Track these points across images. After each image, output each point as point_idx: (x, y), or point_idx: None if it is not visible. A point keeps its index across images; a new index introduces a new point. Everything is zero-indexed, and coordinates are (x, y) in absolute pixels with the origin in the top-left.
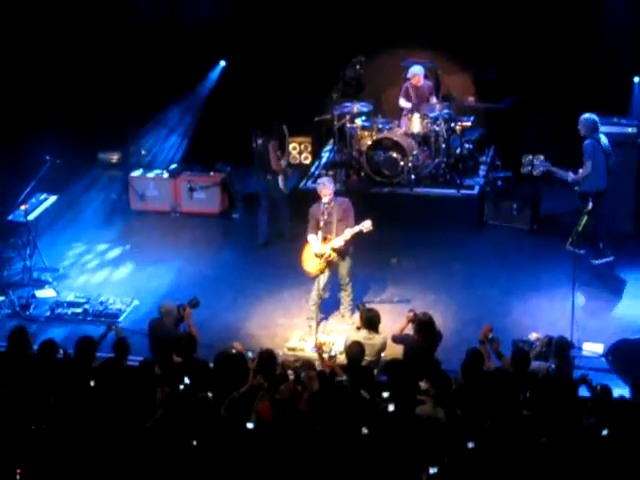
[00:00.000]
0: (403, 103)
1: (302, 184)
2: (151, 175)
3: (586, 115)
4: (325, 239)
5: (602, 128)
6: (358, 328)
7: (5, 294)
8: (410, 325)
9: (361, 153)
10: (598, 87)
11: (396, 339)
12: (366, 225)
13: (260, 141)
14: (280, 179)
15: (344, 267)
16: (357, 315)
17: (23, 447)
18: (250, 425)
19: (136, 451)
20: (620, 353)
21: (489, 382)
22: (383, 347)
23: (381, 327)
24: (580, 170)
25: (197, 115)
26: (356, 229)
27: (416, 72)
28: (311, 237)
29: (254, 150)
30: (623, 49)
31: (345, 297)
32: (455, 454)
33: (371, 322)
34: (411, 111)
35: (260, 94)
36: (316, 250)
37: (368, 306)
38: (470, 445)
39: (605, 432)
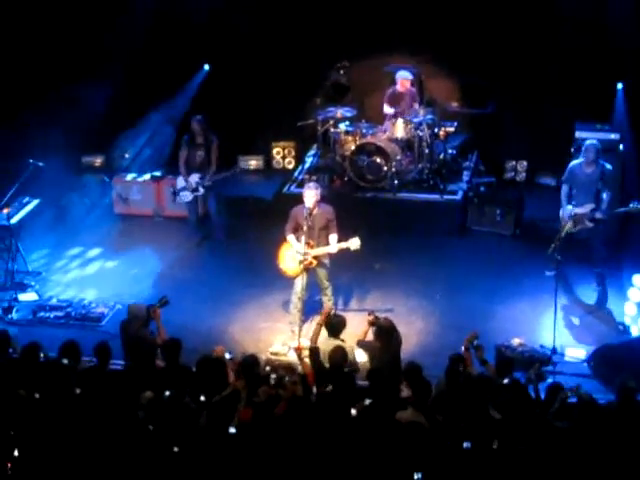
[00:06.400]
0: (387, 109)
1: (285, 189)
2: (135, 179)
3: (593, 141)
4: (308, 245)
5: (585, 134)
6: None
7: None
8: (372, 329)
9: (344, 158)
10: (582, 93)
11: (359, 344)
12: (354, 243)
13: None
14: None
15: (322, 272)
16: None
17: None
18: (232, 430)
19: (119, 457)
20: (602, 359)
21: (472, 388)
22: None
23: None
24: (604, 199)
25: (181, 119)
26: (343, 245)
27: (404, 76)
28: (291, 237)
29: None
30: (607, 56)
31: (326, 301)
32: (438, 459)
33: (333, 329)
34: (395, 116)
35: (244, 98)
36: (299, 255)
37: (337, 313)
38: (466, 445)
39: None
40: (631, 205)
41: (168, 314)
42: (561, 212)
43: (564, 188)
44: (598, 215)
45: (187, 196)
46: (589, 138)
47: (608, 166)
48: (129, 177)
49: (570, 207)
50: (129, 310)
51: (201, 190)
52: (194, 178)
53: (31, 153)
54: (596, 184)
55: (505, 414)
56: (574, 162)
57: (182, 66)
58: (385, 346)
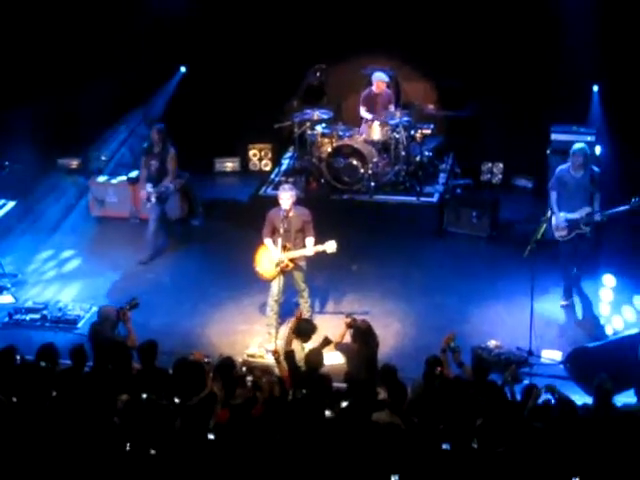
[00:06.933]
0: (363, 112)
1: (262, 191)
2: (111, 181)
3: (582, 145)
4: (284, 247)
5: (561, 137)
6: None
7: None
8: (349, 331)
9: (321, 160)
10: (557, 95)
11: (337, 347)
12: (330, 246)
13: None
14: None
15: (299, 274)
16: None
17: None
18: (210, 432)
19: (96, 460)
20: (578, 361)
21: (449, 390)
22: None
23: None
24: (595, 201)
25: (157, 121)
26: (320, 248)
27: (380, 78)
28: (268, 241)
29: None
30: (583, 58)
31: (303, 303)
32: (414, 462)
33: (300, 332)
34: (371, 118)
35: (220, 100)
36: (275, 258)
37: (306, 317)
38: (445, 446)
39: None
40: (633, 201)
41: (144, 316)
42: (554, 219)
43: (553, 195)
44: (597, 217)
45: (146, 203)
46: (564, 140)
47: (596, 168)
48: (105, 179)
49: (563, 214)
50: (100, 312)
51: (152, 200)
52: (148, 187)
53: (7, 155)
54: (588, 187)
55: (482, 416)
56: (561, 167)
57: (159, 68)
58: (362, 348)
